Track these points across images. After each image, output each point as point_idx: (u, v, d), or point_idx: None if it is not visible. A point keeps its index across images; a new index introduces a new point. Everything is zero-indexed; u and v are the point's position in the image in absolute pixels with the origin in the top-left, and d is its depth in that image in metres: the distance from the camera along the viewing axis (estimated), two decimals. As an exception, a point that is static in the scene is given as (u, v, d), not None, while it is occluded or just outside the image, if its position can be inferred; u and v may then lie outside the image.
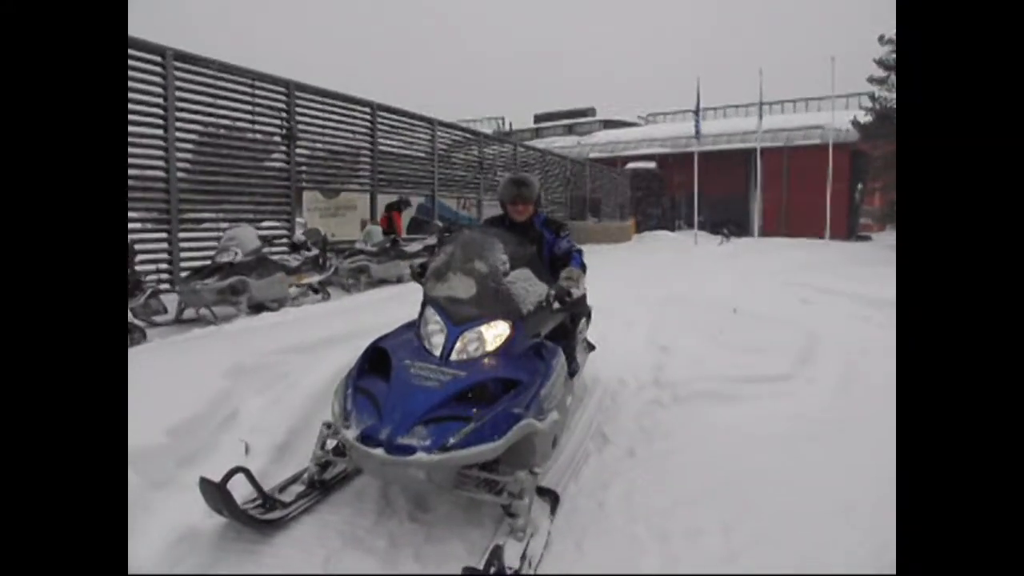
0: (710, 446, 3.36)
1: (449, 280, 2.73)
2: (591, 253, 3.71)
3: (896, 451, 1.48)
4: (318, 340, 4.88)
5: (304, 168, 9.94)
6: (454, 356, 2.50)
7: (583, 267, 3.30)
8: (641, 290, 8.46)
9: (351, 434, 2.26)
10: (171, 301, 6.45)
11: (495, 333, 2.58)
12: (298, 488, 2.60)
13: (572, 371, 3.36)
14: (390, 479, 2.49)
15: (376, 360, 2.59)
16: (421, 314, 2.74)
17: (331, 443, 2.66)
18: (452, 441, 2.15)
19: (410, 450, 2.14)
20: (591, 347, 4.32)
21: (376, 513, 2.57)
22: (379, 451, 2.17)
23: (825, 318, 6.86)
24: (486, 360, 2.51)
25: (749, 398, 4.15)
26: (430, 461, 2.13)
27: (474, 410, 2.27)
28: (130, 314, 5.45)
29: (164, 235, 7.46)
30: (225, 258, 6.55)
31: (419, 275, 3.03)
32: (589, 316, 4.21)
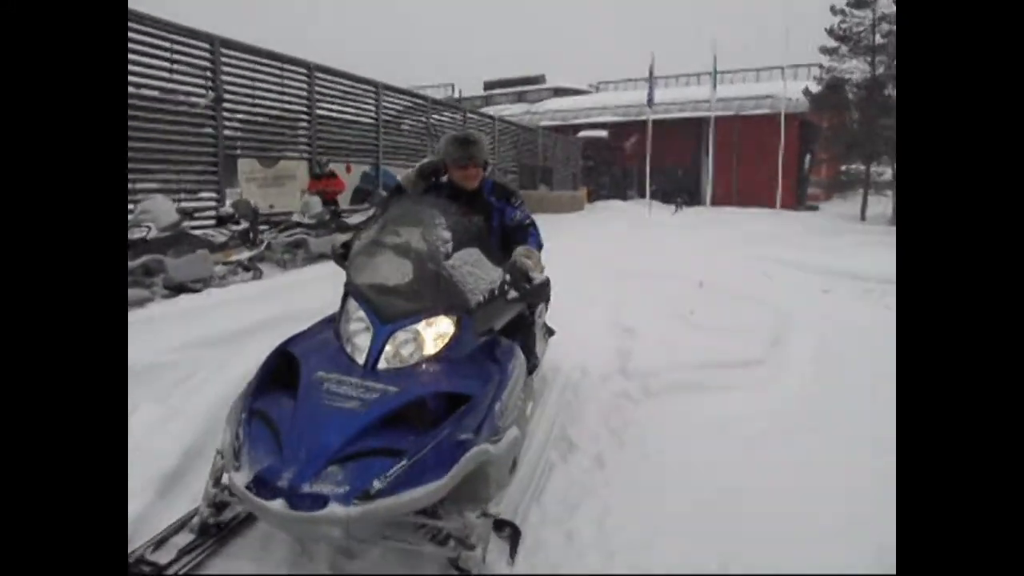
0: (689, 449, 2.94)
1: (377, 263, 2.16)
2: (544, 223, 3.20)
3: (884, 443, 1.33)
4: (240, 328, 4.28)
5: (239, 135, 9.10)
6: (382, 364, 1.93)
7: (540, 246, 2.77)
8: (599, 263, 8.01)
9: (240, 480, 1.66)
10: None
11: (436, 332, 2.02)
12: (184, 539, 1.99)
13: (532, 366, 2.86)
14: (296, 536, 1.93)
15: (283, 370, 2.00)
16: (342, 308, 2.16)
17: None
18: (377, 486, 1.58)
19: (320, 501, 1.56)
20: (550, 332, 3.82)
21: (288, 564, 1.99)
22: (277, 504, 1.57)
23: (790, 293, 6.77)
24: (424, 368, 1.96)
25: (724, 388, 3.79)
26: (347, 516, 1.55)
27: (409, 438, 1.72)
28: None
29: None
30: (137, 235, 5.80)
31: (342, 256, 2.41)
32: (548, 299, 3.71)
